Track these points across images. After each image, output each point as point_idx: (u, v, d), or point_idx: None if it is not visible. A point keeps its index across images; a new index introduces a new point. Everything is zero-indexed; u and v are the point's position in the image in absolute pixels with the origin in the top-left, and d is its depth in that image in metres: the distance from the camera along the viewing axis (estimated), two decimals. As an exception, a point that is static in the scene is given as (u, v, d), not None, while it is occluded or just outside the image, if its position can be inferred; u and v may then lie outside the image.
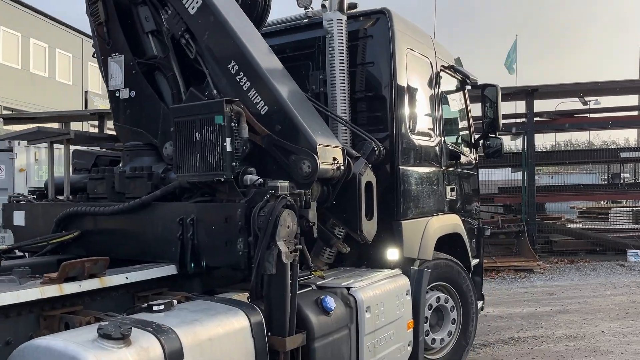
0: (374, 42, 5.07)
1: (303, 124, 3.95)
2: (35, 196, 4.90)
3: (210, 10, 4.18)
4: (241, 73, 4.08)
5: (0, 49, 25.55)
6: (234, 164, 3.68)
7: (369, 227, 4.26)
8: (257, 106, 4.02)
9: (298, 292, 3.51)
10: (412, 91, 5.22)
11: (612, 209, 19.36)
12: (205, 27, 4.21)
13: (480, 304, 6.29)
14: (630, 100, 17.31)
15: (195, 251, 3.69)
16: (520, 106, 16.54)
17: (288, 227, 3.39)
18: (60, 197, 4.78)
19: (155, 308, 3.00)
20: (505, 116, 14.61)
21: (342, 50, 4.78)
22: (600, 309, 8.99)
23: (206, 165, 3.74)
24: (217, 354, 2.96)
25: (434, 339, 5.25)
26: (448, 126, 5.98)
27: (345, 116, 4.76)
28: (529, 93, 14.80)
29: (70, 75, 30.87)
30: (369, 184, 4.25)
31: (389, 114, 4.97)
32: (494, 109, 6.24)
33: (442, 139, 5.71)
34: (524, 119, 15.15)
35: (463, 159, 6.23)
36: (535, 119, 15.32)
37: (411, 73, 5.20)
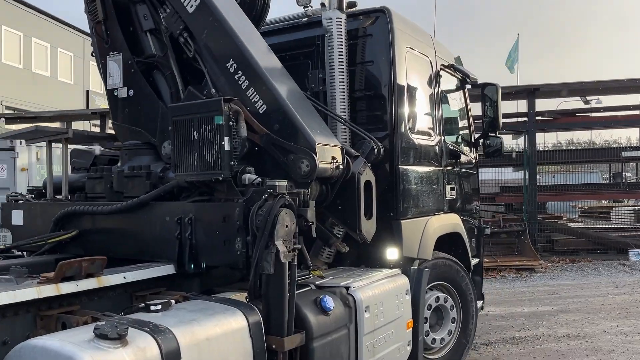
0: (373, 40, 5.05)
1: (302, 122, 3.93)
2: (33, 195, 4.88)
3: (209, 9, 4.17)
4: (240, 72, 4.06)
5: (2, 49, 25.57)
6: (232, 163, 3.67)
7: (368, 227, 4.24)
8: (256, 105, 4.00)
9: (297, 292, 3.50)
10: (411, 90, 5.20)
11: (614, 209, 19.36)
12: (203, 25, 4.19)
13: (480, 303, 6.28)
14: (632, 99, 17.24)
15: (194, 251, 3.68)
16: (521, 105, 16.55)
17: (286, 226, 3.37)
18: (59, 197, 4.77)
19: (152, 308, 2.99)
20: (506, 115, 14.68)
21: (342, 49, 4.76)
22: (602, 308, 8.97)
23: (204, 164, 3.72)
24: (214, 354, 2.95)
25: (434, 339, 5.23)
26: (448, 125, 5.97)
27: (345, 115, 4.75)
28: (531, 92, 14.78)
29: (72, 75, 30.90)
30: (368, 183, 4.23)
31: (388, 113, 4.96)
32: (494, 108, 6.23)
33: (442, 138, 5.69)
34: (525, 118, 15.13)
35: (463, 158, 6.21)
36: (537, 118, 15.30)
37: (411, 72, 5.18)
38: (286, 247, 3.35)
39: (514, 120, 15.57)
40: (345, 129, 4.73)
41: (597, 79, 16.65)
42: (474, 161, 6.66)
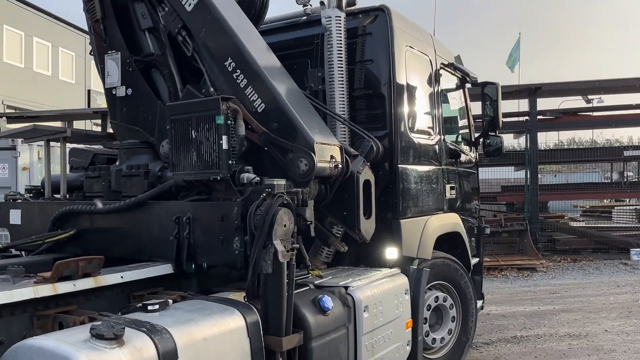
0: (372, 39, 5.03)
1: (300, 121, 3.91)
2: (31, 195, 4.87)
3: (207, 7, 4.15)
4: (238, 70, 4.04)
5: (3, 48, 25.57)
6: (230, 162, 3.65)
7: (368, 226, 4.22)
8: (254, 104, 3.98)
9: (295, 292, 3.48)
10: (411, 89, 5.18)
11: (616, 208, 19.32)
12: (202, 24, 4.17)
13: (480, 303, 6.26)
14: (634, 98, 17.19)
15: (192, 250, 3.67)
16: (523, 104, 16.52)
17: (285, 225, 3.35)
18: (57, 196, 4.76)
19: (150, 308, 2.97)
20: (508, 114, 14.69)
21: (341, 47, 4.74)
22: (604, 307, 8.95)
23: (202, 163, 3.71)
24: (212, 354, 2.93)
25: (434, 339, 5.22)
26: (448, 124, 5.95)
27: (344, 114, 4.73)
28: (532, 91, 14.76)
29: (73, 74, 30.91)
30: (367, 183, 4.21)
31: (387, 112, 4.94)
32: (494, 107, 6.20)
33: (442, 137, 5.67)
34: (527, 118, 15.11)
35: (463, 158, 6.19)
36: (539, 117, 15.28)
37: (410, 71, 5.16)
38: (284, 246, 3.33)
39: (516, 119, 15.55)
40: (344, 128, 4.71)
41: (598, 78, 16.62)
42: (474, 160, 6.65)
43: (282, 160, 3.88)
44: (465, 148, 6.39)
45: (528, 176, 15.00)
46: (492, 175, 16.02)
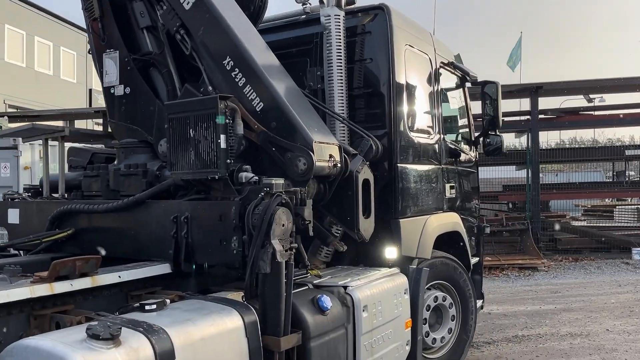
0: (372, 38, 5.02)
1: (299, 120, 3.90)
2: (29, 194, 4.87)
3: (206, 6, 4.14)
4: (236, 69, 4.03)
5: (4, 47, 25.58)
6: (228, 161, 3.64)
7: (367, 226, 4.21)
8: (253, 103, 3.97)
9: (294, 291, 3.47)
10: (410, 88, 5.16)
11: (617, 207, 19.28)
12: (200, 22, 4.16)
13: (480, 302, 6.24)
14: (636, 97, 17.19)
15: (190, 249, 3.65)
16: (524, 103, 16.50)
17: (283, 225, 3.34)
18: (55, 195, 4.75)
19: (147, 307, 2.96)
20: (509, 114, 14.67)
21: (340, 46, 4.73)
22: (605, 307, 8.93)
23: (200, 162, 3.69)
24: (209, 354, 2.92)
25: (434, 339, 5.20)
26: (447, 123, 5.93)
27: (343, 113, 4.71)
28: (534, 90, 14.74)
29: (75, 74, 30.92)
30: (366, 182, 4.19)
31: (387, 111, 4.92)
32: (494, 107, 6.18)
33: (442, 136, 5.65)
34: (528, 117, 15.09)
35: (463, 157, 6.17)
36: (540, 116, 15.25)
37: (410, 70, 5.14)
38: (283, 246, 3.31)
39: (518, 118, 15.52)
40: (343, 127, 4.69)
41: (599, 77, 16.59)
42: (474, 159, 6.62)
43: (280, 159, 3.86)
44: (465, 147, 6.37)
45: (529, 175, 14.98)
46: (494, 174, 16.00)
